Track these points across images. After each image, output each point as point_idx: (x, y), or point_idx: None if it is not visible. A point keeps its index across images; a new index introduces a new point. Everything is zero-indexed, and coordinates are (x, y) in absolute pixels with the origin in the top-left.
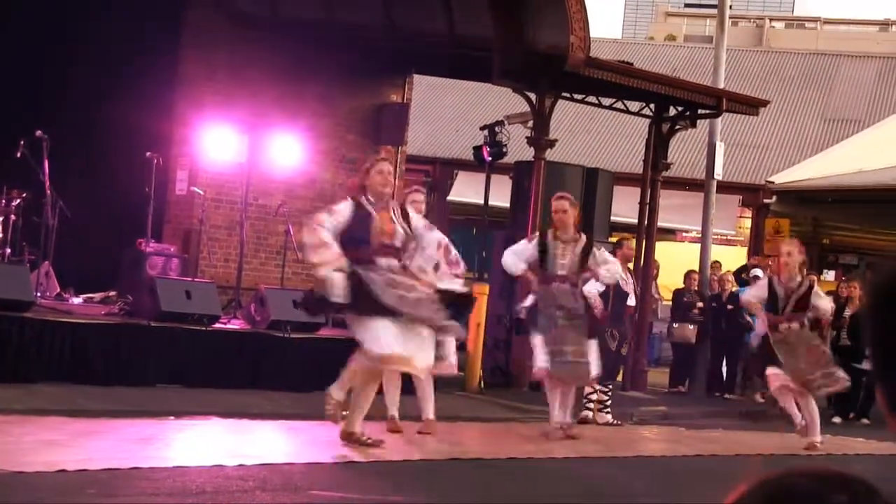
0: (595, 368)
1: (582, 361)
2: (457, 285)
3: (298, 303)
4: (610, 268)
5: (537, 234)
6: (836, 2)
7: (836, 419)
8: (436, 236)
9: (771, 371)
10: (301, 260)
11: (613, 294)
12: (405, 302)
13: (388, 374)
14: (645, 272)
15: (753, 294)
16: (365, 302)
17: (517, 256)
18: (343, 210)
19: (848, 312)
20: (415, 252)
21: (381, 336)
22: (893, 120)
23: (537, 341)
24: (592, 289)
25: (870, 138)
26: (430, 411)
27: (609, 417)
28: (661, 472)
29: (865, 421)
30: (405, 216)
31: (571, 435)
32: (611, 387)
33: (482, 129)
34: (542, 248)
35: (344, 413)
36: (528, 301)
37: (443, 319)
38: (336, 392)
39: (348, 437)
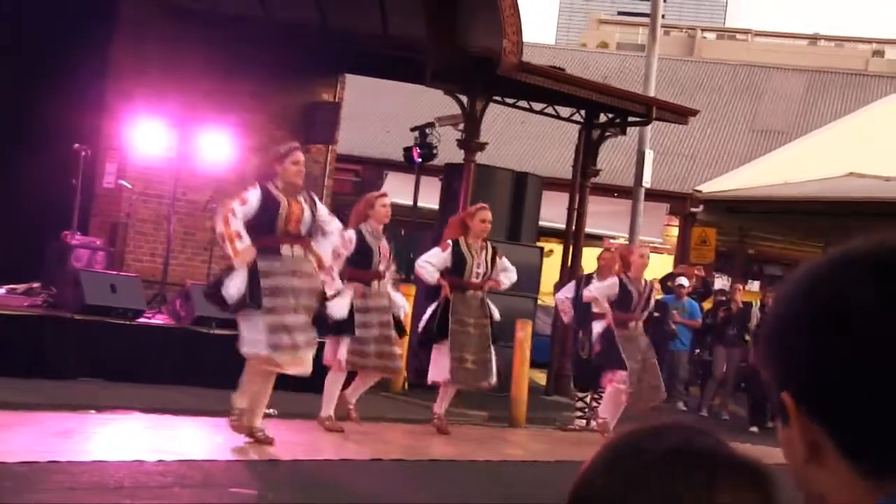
0: (494, 374)
1: (483, 369)
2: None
3: (206, 294)
4: (510, 275)
5: (451, 242)
6: (767, 14)
7: (754, 428)
8: (337, 224)
9: (618, 374)
10: (228, 256)
11: (582, 301)
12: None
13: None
14: (571, 278)
15: (602, 290)
16: (251, 298)
17: (432, 264)
18: (252, 197)
19: None
20: (319, 238)
21: (259, 336)
22: (820, 133)
23: (443, 350)
24: (561, 296)
25: (796, 150)
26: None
27: (582, 423)
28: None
29: None
30: (312, 204)
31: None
32: (580, 395)
33: (413, 130)
34: (460, 256)
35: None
36: (428, 313)
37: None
38: (239, 401)
39: (250, 432)
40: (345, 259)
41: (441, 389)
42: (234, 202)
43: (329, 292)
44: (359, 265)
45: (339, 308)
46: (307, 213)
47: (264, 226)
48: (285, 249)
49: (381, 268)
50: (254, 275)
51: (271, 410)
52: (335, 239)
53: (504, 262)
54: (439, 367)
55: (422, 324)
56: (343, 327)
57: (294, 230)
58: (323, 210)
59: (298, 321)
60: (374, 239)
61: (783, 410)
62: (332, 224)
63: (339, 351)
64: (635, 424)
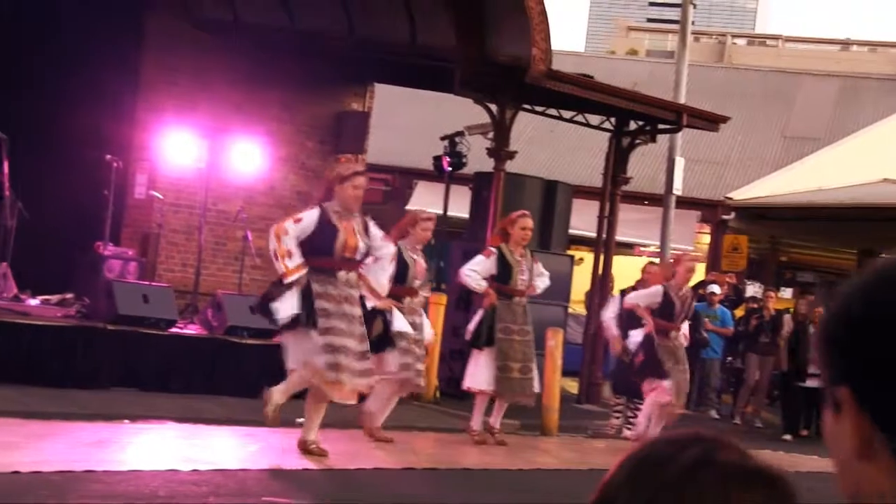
0: (537, 385)
1: (527, 378)
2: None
3: (253, 307)
4: (544, 279)
5: (495, 249)
6: (798, 20)
7: (787, 436)
8: (390, 249)
9: (661, 384)
10: (259, 266)
11: (627, 311)
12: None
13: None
14: (602, 286)
15: (643, 297)
16: (308, 319)
17: (477, 272)
18: (309, 218)
19: (812, 331)
20: (372, 262)
21: (312, 355)
22: (852, 139)
23: (485, 357)
24: (608, 315)
25: (829, 157)
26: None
27: (617, 422)
28: None
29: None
30: (365, 229)
31: (503, 441)
32: (617, 399)
33: (442, 139)
34: (505, 264)
35: (300, 420)
36: (476, 319)
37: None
38: (277, 396)
39: (303, 445)
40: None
41: (477, 399)
42: (287, 220)
43: (368, 306)
44: (394, 280)
45: (401, 323)
46: (362, 243)
47: (321, 249)
48: (341, 274)
49: (416, 284)
50: (308, 295)
51: (300, 420)
52: (388, 266)
53: (539, 267)
54: (477, 375)
55: (469, 330)
56: (385, 343)
57: (350, 256)
58: (376, 233)
59: (354, 347)
60: (411, 255)
61: (837, 404)
62: (385, 249)
63: (388, 364)
64: (662, 434)
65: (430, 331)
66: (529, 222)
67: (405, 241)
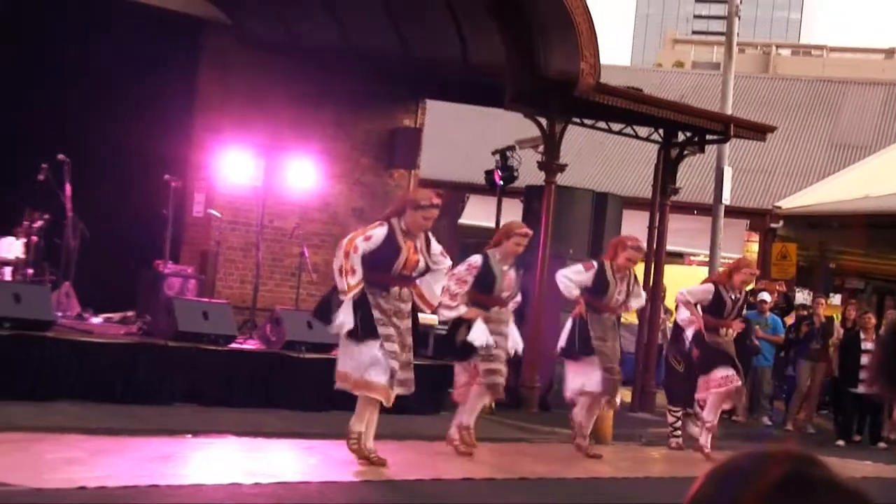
0: None
1: (617, 378)
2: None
3: (314, 312)
4: (640, 300)
5: (596, 264)
6: (842, 30)
7: (840, 442)
8: (447, 263)
9: (725, 373)
10: (315, 281)
11: (674, 321)
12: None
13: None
14: (653, 295)
15: (695, 294)
16: (364, 329)
17: (573, 281)
18: (377, 236)
19: (863, 337)
20: (428, 274)
21: (364, 361)
22: None
23: (578, 366)
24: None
25: (876, 164)
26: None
27: (678, 440)
28: (668, 494)
29: (882, 445)
30: (427, 244)
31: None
32: (673, 409)
33: (494, 153)
34: (603, 280)
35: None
36: (567, 331)
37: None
38: (355, 425)
39: (358, 452)
40: (469, 283)
41: (581, 410)
42: (358, 237)
43: (446, 316)
44: (480, 289)
45: (479, 335)
46: (422, 261)
47: (382, 266)
48: (394, 290)
49: (504, 295)
50: (366, 307)
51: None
52: (443, 278)
53: (638, 288)
54: (579, 382)
55: (563, 341)
56: (468, 350)
57: (408, 274)
58: (436, 249)
59: (403, 357)
60: (500, 266)
61: None
62: (443, 264)
63: (477, 370)
64: (744, 449)
65: (519, 340)
66: (637, 256)
67: (496, 252)
